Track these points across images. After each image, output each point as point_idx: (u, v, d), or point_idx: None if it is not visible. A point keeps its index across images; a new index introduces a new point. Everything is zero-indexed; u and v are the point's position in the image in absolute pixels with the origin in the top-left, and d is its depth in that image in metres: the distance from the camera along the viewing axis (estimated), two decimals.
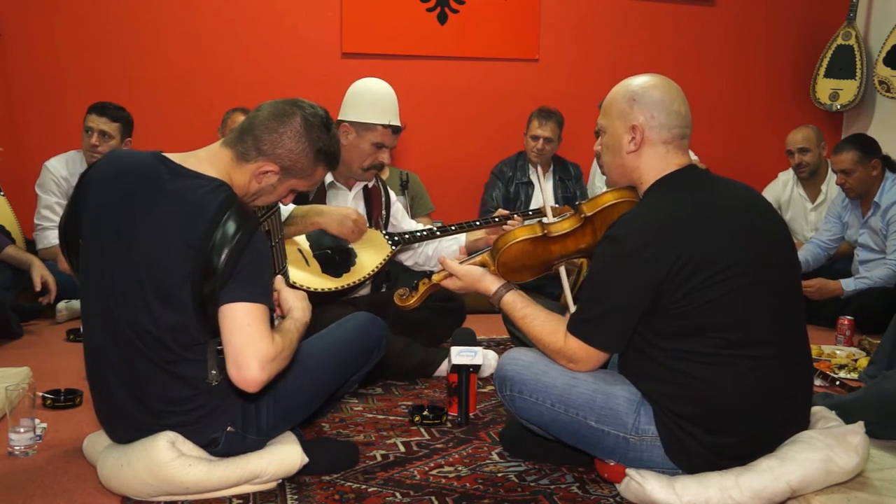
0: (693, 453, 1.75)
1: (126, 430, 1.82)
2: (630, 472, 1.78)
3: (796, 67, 5.36)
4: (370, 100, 2.84)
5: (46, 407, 2.41)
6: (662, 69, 1.95)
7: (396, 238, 2.96)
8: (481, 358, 2.42)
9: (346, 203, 2.95)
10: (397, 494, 1.85)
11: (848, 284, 3.80)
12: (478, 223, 2.96)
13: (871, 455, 1.85)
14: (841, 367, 3.02)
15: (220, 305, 1.67)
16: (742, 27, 5.28)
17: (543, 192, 2.58)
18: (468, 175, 4.84)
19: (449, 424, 2.37)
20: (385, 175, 4.18)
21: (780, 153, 4.62)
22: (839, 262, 4.26)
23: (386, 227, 3.06)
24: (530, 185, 4.61)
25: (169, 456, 1.73)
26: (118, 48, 4.51)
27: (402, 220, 3.15)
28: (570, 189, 4.59)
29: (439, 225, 3.25)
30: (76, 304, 3.62)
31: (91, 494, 1.84)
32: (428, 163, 4.81)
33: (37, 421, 2.12)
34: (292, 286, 2.17)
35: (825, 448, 1.73)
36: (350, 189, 2.98)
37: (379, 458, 2.08)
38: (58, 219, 3.82)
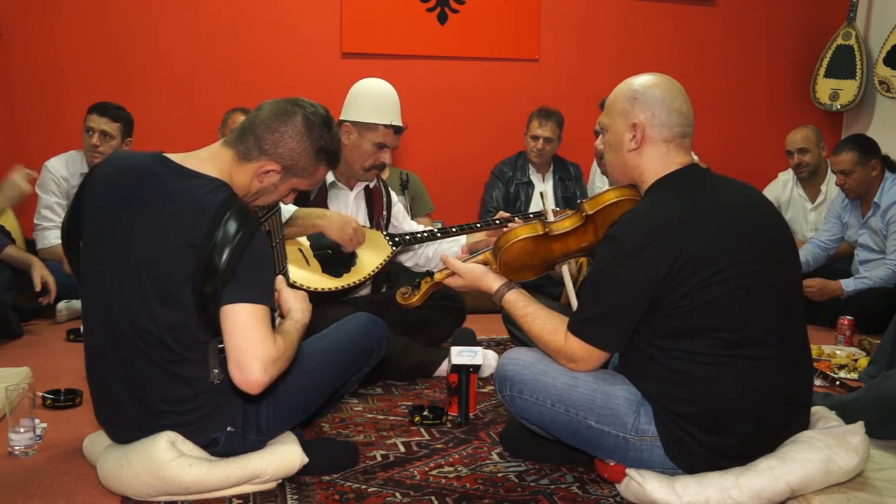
0: (693, 453, 1.75)
1: (126, 430, 1.82)
2: (630, 472, 1.78)
3: (796, 67, 5.36)
4: (372, 100, 2.84)
5: (46, 407, 2.41)
6: (662, 69, 1.96)
7: (397, 239, 2.96)
8: (481, 358, 2.42)
9: (348, 203, 2.96)
10: (397, 494, 1.85)
11: (848, 284, 3.80)
12: (478, 225, 2.96)
13: (871, 455, 1.85)
14: (841, 367, 3.02)
15: (222, 306, 1.67)
16: (742, 27, 5.28)
17: (545, 200, 2.48)
18: (468, 175, 4.84)
19: (449, 424, 2.37)
20: (385, 175, 4.18)
21: (780, 153, 4.62)
22: (839, 262, 4.26)
23: (387, 228, 3.06)
24: (530, 185, 4.61)
25: (169, 456, 1.73)
26: (118, 48, 4.51)
27: (402, 220, 3.15)
28: (570, 189, 4.59)
29: (440, 226, 3.25)
30: (76, 304, 3.62)
31: (91, 494, 1.84)
32: (428, 163, 4.82)
33: (37, 421, 2.12)
34: (292, 286, 2.17)
35: (825, 448, 1.74)
36: (351, 189, 2.98)
37: (379, 458, 2.08)
38: (58, 219, 3.83)
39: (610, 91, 1.94)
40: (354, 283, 2.79)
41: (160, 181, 1.75)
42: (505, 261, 2.06)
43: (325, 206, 2.89)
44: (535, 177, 4.63)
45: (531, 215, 3.05)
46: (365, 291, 3.01)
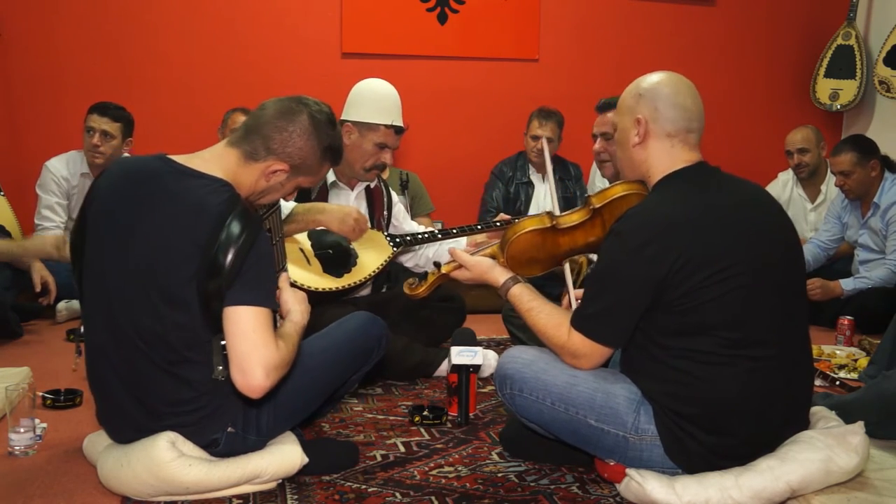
0: (693, 453, 1.75)
1: (126, 430, 1.82)
2: (630, 472, 1.78)
3: (796, 67, 5.36)
4: (373, 100, 2.84)
5: (46, 407, 2.41)
6: (662, 69, 1.96)
7: (398, 240, 2.96)
8: (481, 358, 2.42)
9: (349, 203, 2.96)
10: (397, 494, 1.85)
11: (847, 284, 3.80)
12: (479, 227, 2.97)
13: (871, 455, 1.85)
14: (841, 367, 3.02)
15: (225, 307, 1.67)
16: (742, 27, 5.28)
17: (551, 191, 2.50)
18: (468, 175, 4.84)
19: (449, 424, 2.37)
20: (385, 175, 4.18)
21: (780, 153, 4.62)
22: (839, 262, 4.26)
23: (388, 228, 3.06)
24: (530, 185, 4.61)
25: (169, 456, 1.73)
26: (118, 48, 4.51)
27: (403, 221, 3.15)
28: (570, 189, 4.59)
29: (440, 226, 3.26)
30: (76, 304, 3.62)
31: (91, 494, 1.84)
32: (428, 163, 4.82)
33: (37, 421, 2.12)
34: (293, 285, 2.17)
35: (825, 448, 1.73)
36: (352, 189, 2.98)
37: (379, 458, 2.08)
38: (58, 219, 3.84)
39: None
40: (355, 283, 2.79)
41: (162, 181, 1.75)
42: (512, 253, 2.06)
43: None
44: (535, 177, 4.63)
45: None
46: (365, 291, 3.01)
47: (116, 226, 1.75)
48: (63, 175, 3.86)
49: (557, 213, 2.10)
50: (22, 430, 2.04)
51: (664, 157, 1.85)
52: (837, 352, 3.25)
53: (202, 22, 4.60)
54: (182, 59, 4.58)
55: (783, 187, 4.61)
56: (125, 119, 3.83)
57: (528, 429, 1.99)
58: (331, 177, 2.94)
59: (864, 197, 3.96)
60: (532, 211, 4.49)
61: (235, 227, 1.67)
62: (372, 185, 3.02)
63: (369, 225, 2.84)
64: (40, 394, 2.42)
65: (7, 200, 3.96)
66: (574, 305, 2.03)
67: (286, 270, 2.37)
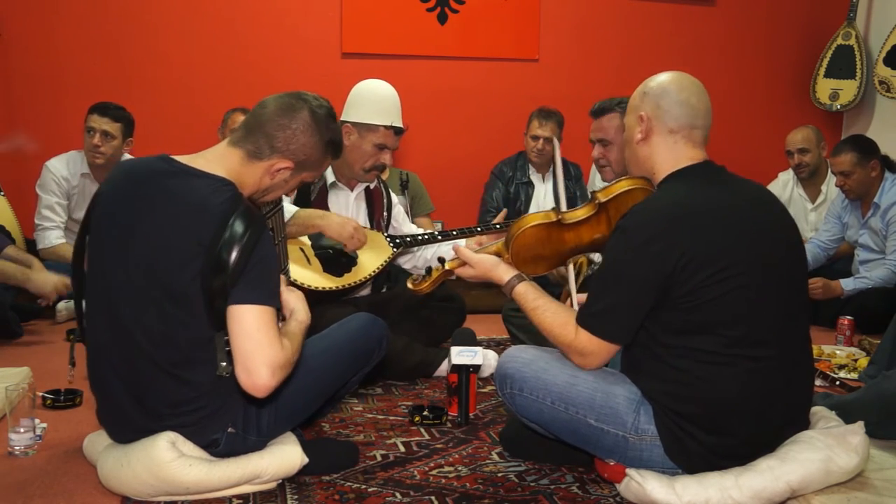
0: (693, 453, 1.75)
1: (126, 430, 1.82)
2: (630, 472, 1.78)
3: (796, 67, 5.36)
4: (373, 101, 2.84)
5: (46, 407, 2.42)
6: (662, 69, 1.96)
7: (398, 240, 2.96)
8: (481, 358, 2.42)
9: (348, 203, 2.96)
10: (397, 494, 1.85)
11: (847, 284, 3.80)
12: (478, 229, 2.97)
13: (871, 455, 1.85)
14: (841, 367, 3.02)
15: (229, 306, 1.67)
16: (742, 27, 5.28)
17: (559, 188, 2.49)
18: (468, 175, 4.84)
19: (449, 424, 2.37)
20: (385, 175, 4.18)
21: (780, 153, 4.62)
22: (839, 262, 4.26)
23: (387, 229, 3.06)
24: (530, 185, 4.61)
25: (169, 456, 1.73)
26: (118, 48, 4.51)
27: (402, 223, 3.15)
28: (571, 189, 4.58)
29: (440, 226, 3.26)
30: None
31: (91, 494, 1.84)
32: (428, 163, 4.82)
33: (37, 421, 2.12)
34: (293, 284, 2.17)
35: (825, 448, 1.73)
36: (352, 190, 2.98)
37: (379, 458, 2.08)
38: (58, 219, 3.84)
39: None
40: (355, 283, 2.79)
41: (165, 181, 1.75)
42: (517, 249, 2.05)
43: (326, 206, 2.90)
44: (535, 177, 4.63)
45: None
46: (365, 292, 3.01)
47: (119, 226, 1.76)
48: (63, 175, 3.86)
49: (564, 208, 2.09)
50: (22, 430, 2.04)
51: (667, 154, 1.86)
52: (837, 352, 3.25)
53: (202, 22, 4.60)
54: (182, 59, 4.58)
55: (783, 187, 4.61)
56: (125, 119, 3.83)
57: (529, 428, 1.99)
58: (330, 177, 2.94)
59: (865, 197, 3.96)
60: (532, 211, 4.49)
61: (239, 226, 1.67)
62: (371, 185, 3.02)
63: (366, 238, 2.83)
64: (40, 394, 2.42)
65: (7, 200, 3.96)
66: (576, 307, 2.02)
67: (288, 271, 2.37)
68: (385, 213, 3.07)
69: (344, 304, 2.78)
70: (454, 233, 2.98)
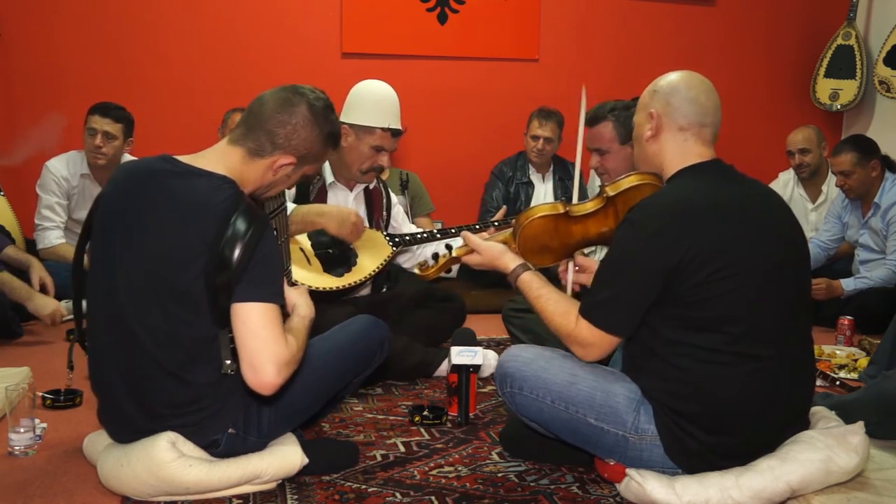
0: (693, 453, 1.75)
1: (126, 430, 1.82)
2: (630, 471, 1.78)
3: (796, 67, 5.36)
4: (371, 102, 2.84)
5: (46, 407, 2.41)
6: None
7: (397, 239, 2.96)
8: (481, 358, 2.41)
9: (347, 203, 2.96)
10: (397, 494, 1.85)
11: (848, 284, 3.80)
12: (477, 227, 2.97)
13: (871, 455, 1.85)
14: (841, 367, 3.01)
15: (233, 303, 1.67)
16: (742, 27, 5.28)
17: (575, 184, 2.41)
18: (468, 175, 4.84)
19: (449, 424, 2.37)
20: (385, 175, 4.18)
21: (780, 153, 4.62)
22: (839, 262, 4.26)
23: (387, 229, 3.06)
24: (530, 185, 4.61)
25: (169, 456, 1.73)
26: (118, 48, 4.51)
27: (402, 223, 3.15)
28: (570, 189, 4.58)
29: (440, 226, 3.25)
30: None
31: (91, 494, 1.84)
32: (428, 163, 4.82)
33: (37, 421, 2.12)
34: (294, 284, 2.17)
35: (825, 448, 1.73)
36: (351, 190, 2.98)
37: (379, 458, 2.08)
38: (58, 219, 3.84)
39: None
40: (355, 282, 2.79)
41: (166, 181, 1.75)
42: (524, 239, 2.06)
43: None
44: (535, 177, 4.63)
45: None
46: (365, 291, 3.01)
47: (122, 226, 1.76)
48: (63, 175, 3.86)
49: (576, 200, 2.10)
50: (22, 430, 2.04)
51: (677, 151, 1.86)
52: (837, 352, 3.24)
53: (202, 22, 4.60)
54: (182, 59, 4.58)
55: (784, 187, 4.61)
56: (126, 119, 3.83)
57: (529, 428, 1.99)
58: (329, 177, 2.94)
59: (865, 197, 3.95)
60: None
61: (241, 224, 1.68)
62: (371, 185, 3.02)
63: (367, 225, 2.84)
64: (40, 394, 2.42)
65: (7, 200, 3.96)
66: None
67: (290, 272, 2.37)
68: (384, 213, 3.07)
69: (344, 304, 2.78)
70: (453, 230, 2.98)
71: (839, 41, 5.16)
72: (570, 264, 2.20)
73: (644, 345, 1.81)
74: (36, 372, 2.65)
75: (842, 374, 2.94)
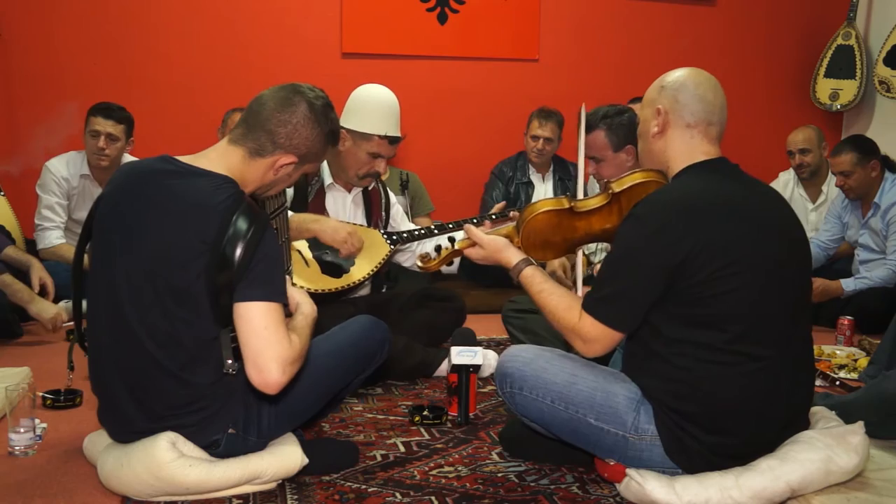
0: (693, 453, 1.75)
1: (127, 431, 1.82)
2: (630, 472, 1.78)
3: (796, 67, 5.36)
4: (369, 109, 2.82)
5: (46, 407, 2.41)
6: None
7: (395, 237, 2.96)
8: (481, 358, 2.41)
9: (346, 204, 2.95)
10: (397, 494, 1.85)
11: (848, 284, 3.80)
12: (475, 220, 2.96)
13: (871, 455, 1.85)
14: (841, 367, 3.01)
15: (235, 303, 1.67)
16: (742, 27, 5.28)
17: (579, 180, 2.39)
18: (468, 175, 4.84)
19: (449, 424, 2.37)
20: (385, 175, 4.18)
21: (781, 153, 4.62)
22: (839, 262, 4.26)
23: (385, 229, 3.06)
24: (530, 185, 4.61)
25: (169, 456, 1.73)
26: (118, 48, 4.51)
27: (401, 223, 3.14)
28: (571, 189, 4.59)
29: (438, 224, 3.25)
30: None
31: (91, 494, 1.84)
32: (428, 163, 4.81)
33: (37, 421, 2.12)
34: (293, 286, 2.17)
35: (825, 448, 1.74)
36: (349, 191, 2.97)
37: (379, 458, 2.08)
38: (58, 219, 3.83)
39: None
40: (354, 282, 2.79)
41: (166, 181, 1.75)
42: (527, 233, 2.06)
43: (323, 207, 2.90)
44: (535, 177, 4.63)
45: None
46: (365, 291, 3.01)
47: (122, 227, 1.76)
48: (63, 175, 3.85)
49: (581, 196, 2.10)
50: (22, 430, 2.04)
51: (683, 148, 1.86)
52: (837, 352, 3.24)
53: (202, 22, 4.60)
54: (182, 59, 4.58)
55: (784, 187, 4.61)
56: (128, 120, 3.82)
57: (529, 428, 1.99)
58: (328, 178, 2.93)
59: (865, 197, 3.96)
60: None
61: (242, 223, 1.68)
62: (369, 187, 3.01)
63: (361, 244, 2.80)
64: (40, 394, 2.42)
65: (7, 200, 3.96)
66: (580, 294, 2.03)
67: (290, 273, 2.37)
68: (383, 214, 3.06)
69: (343, 304, 2.78)
70: (450, 225, 2.97)
71: (839, 41, 5.16)
72: (580, 259, 2.20)
73: (644, 345, 1.81)
74: (36, 372, 2.65)
75: (842, 374, 2.94)
